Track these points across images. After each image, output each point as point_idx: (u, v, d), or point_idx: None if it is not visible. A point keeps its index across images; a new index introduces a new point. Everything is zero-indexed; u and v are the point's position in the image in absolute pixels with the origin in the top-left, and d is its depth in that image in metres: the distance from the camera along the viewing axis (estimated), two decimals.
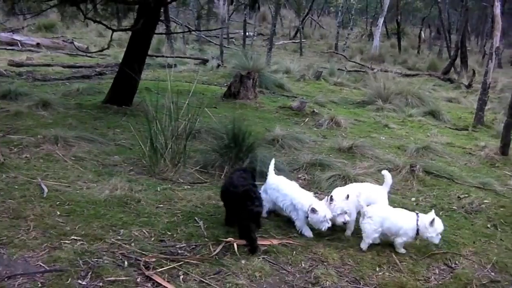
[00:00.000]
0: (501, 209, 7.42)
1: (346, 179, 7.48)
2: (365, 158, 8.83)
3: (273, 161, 6.55)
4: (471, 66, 24.04)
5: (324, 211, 5.72)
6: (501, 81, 21.80)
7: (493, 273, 5.81)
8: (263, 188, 6.29)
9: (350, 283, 5.16)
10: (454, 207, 7.27)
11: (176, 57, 20.32)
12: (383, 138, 10.61)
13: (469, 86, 20.36)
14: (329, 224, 5.77)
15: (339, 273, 5.28)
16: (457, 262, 5.86)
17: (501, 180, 8.67)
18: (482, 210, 7.27)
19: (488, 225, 6.91)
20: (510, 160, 9.88)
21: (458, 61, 24.31)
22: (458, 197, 7.58)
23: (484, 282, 5.56)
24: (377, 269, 5.45)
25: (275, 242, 5.63)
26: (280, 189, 6.14)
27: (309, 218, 5.79)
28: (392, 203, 7.00)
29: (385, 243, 5.89)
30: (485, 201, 7.54)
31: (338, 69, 21.26)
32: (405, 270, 5.51)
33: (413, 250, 5.92)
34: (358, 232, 5.99)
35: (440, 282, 5.44)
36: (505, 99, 11.81)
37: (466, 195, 7.64)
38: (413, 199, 7.43)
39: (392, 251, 5.80)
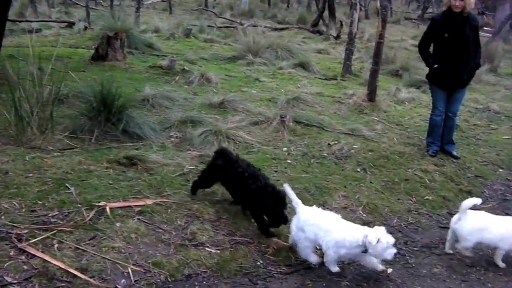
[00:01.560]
0: (370, 153, 7.65)
1: (218, 134, 7.41)
2: (237, 112, 8.80)
3: (288, 188, 5.21)
4: (339, 18, 24.49)
5: (385, 237, 4.72)
6: (368, 31, 22.43)
7: (364, 215, 6.01)
8: (296, 225, 5.04)
9: (226, 236, 5.16)
10: (324, 154, 7.41)
11: (41, 21, 19.30)
12: (254, 91, 10.62)
13: (337, 37, 20.78)
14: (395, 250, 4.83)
15: (215, 227, 5.27)
16: (329, 206, 5.98)
17: (369, 126, 8.94)
18: (352, 155, 7.47)
19: (358, 169, 7.11)
20: (377, 106, 10.21)
21: (326, 13, 24.70)
22: (329, 144, 7.73)
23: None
24: (252, 220, 5.44)
25: (149, 202, 5.49)
26: (320, 224, 4.95)
27: (370, 250, 4.71)
28: (264, 154, 7.05)
29: None
30: (355, 146, 7.75)
31: (208, 26, 21.04)
32: None
33: None
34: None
35: None
36: (372, 48, 12.14)
37: (336, 142, 7.81)
38: (284, 149, 7.48)
39: None
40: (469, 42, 7.85)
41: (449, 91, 8.06)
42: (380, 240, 4.62)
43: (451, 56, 7.84)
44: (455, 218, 5.39)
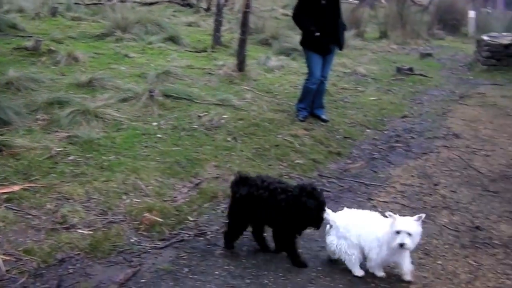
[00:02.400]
0: (240, 122, 7.74)
1: (86, 114, 7.24)
2: (106, 90, 8.60)
3: None
4: None
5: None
6: (238, 1, 22.43)
7: None
8: (336, 235, 4.60)
9: (98, 216, 5.08)
10: (195, 126, 7.42)
11: None
12: (124, 68, 10.43)
13: (207, 9, 20.75)
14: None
15: (86, 208, 5.18)
16: (201, 177, 6.01)
17: (239, 95, 9.03)
18: (222, 125, 7.53)
19: (229, 139, 7.18)
20: (247, 76, 10.32)
21: None
22: (199, 116, 7.74)
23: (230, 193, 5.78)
24: (124, 197, 5.41)
25: (16, 188, 5.31)
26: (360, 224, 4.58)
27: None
28: (134, 130, 6.99)
29: None
30: (224, 116, 7.81)
31: (75, 3, 20.36)
32: (152, 194, 5.56)
33: (157, 173, 5.95)
34: None
35: (187, 200, 5.57)
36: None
37: (206, 113, 7.84)
38: (154, 123, 7.42)
39: (138, 178, 5.77)
40: (340, 6, 8.21)
41: (324, 56, 8.28)
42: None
43: (328, 21, 8.07)
44: None
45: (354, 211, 4.72)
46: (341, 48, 8.50)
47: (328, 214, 4.62)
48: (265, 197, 4.51)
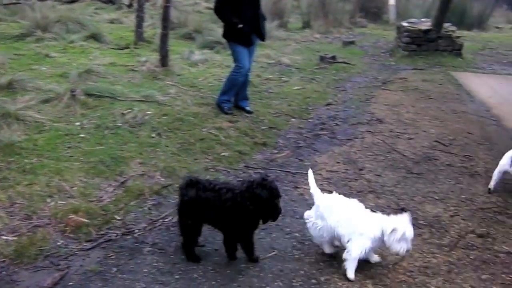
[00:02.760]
0: (164, 117, 7.71)
1: (6, 117, 7.06)
2: (26, 91, 8.38)
3: (311, 173, 4.91)
4: None
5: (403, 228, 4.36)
6: None
7: (163, 179, 6.05)
8: (315, 213, 4.71)
9: (23, 221, 4.97)
10: (119, 124, 7.33)
11: None
12: (45, 68, 10.20)
13: (130, 5, 20.48)
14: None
15: (9, 213, 5.05)
16: (126, 175, 5.97)
17: (162, 91, 8.99)
18: (146, 122, 7.48)
19: (153, 135, 7.14)
20: (170, 71, 10.28)
21: None
22: (122, 113, 7.65)
23: (156, 189, 5.76)
24: (48, 200, 5.31)
25: None
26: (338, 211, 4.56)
27: (385, 238, 4.36)
28: (57, 131, 6.87)
29: None
30: (148, 112, 7.76)
31: None
32: (77, 195, 5.47)
33: (82, 174, 5.88)
34: None
35: (113, 199, 5.51)
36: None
37: (130, 110, 7.76)
38: (77, 123, 7.28)
39: (62, 180, 5.68)
40: None
41: (247, 47, 8.31)
42: (396, 230, 4.32)
43: (249, 13, 8.12)
44: None
45: (342, 198, 4.68)
46: (263, 39, 8.57)
47: (315, 192, 4.70)
48: (213, 198, 4.41)
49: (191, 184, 4.47)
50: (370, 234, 4.37)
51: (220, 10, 8.22)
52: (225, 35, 8.46)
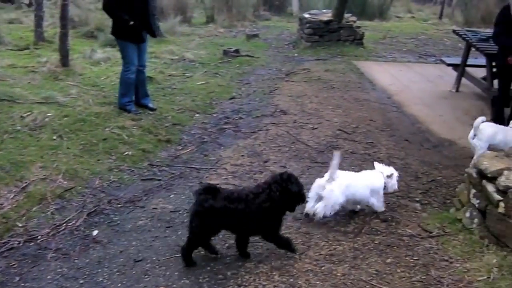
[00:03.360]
0: (65, 118, 7.57)
1: None
2: None
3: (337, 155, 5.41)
4: None
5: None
6: None
7: (65, 182, 5.96)
8: (342, 191, 5.39)
9: None
10: (18, 128, 7.10)
11: None
12: None
13: (30, 4, 19.89)
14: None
15: None
16: (27, 180, 5.84)
17: (64, 92, 8.81)
18: (47, 124, 7.31)
19: (54, 137, 7.00)
20: (72, 70, 10.10)
21: None
22: (21, 116, 7.44)
23: (59, 193, 5.68)
24: None
25: None
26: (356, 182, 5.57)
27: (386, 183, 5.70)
28: None
29: None
30: (49, 114, 7.59)
31: None
32: None
33: None
34: None
35: (14, 205, 5.39)
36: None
37: (30, 113, 7.55)
38: None
39: None
40: None
41: (138, 44, 8.23)
42: (392, 174, 5.70)
43: (140, 9, 8.05)
44: None
45: (353, 173, 5.73)
46: (154, 35, 8.56)
47: (335, 170, 5.35)
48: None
49: (210, 191, 4.52)
50: (381, 187, 5.62)
51: (110, 7, 8.08)
52: (114, 33, 8.33)
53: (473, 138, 6.65)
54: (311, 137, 7.89)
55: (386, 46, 15.82)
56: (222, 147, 7.45)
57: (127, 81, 8.30)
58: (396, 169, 6.09)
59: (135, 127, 7.71)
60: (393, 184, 5.72)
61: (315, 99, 9.79)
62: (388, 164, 6.12)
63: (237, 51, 13.28)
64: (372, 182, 5.60)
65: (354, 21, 15.28)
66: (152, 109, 8.48)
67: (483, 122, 6.53)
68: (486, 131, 6.50)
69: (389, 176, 5.68)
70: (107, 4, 8.07)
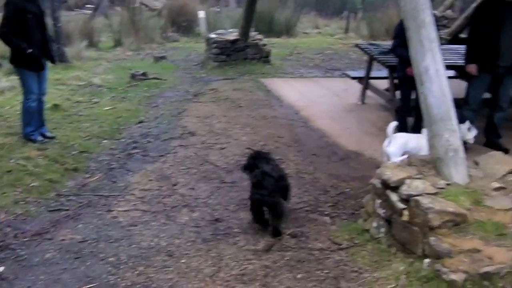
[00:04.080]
0: None
1: None
2: None
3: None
4: None
5: None
6: None
7: None
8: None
9: None
10: None
11: None
12: None
13: None
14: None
15: None
16: None
17: None
18: None
19: None
20: None
21: None
22: None
23: None
24: None
25: None
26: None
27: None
28: None
29: None
30: None
31: None
32: None
33: None
34: None
35: None
36: None
37: None
38: None
39: None
40: (45, 19, 8.25)
41: (38, 72, 8.09)
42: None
43: (38, 36, 7.94)
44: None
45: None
46: (53, 61, 8.45)
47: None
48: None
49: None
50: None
51: (6, 34, 7.84)
52: (12, 61, 8.14)
53: (387, 146, 6.92)
54: (220, 157, 7.94)
55: (293, 63, 16.07)
56: (130, 173, 7.38)
57: (29, 110, 8.11)
58: (304, 184, 6.23)
59: (40, 157, 7.54)
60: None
61: (223, 119, 9.85)
62: (297, 179, 6.27)
63: (144, 74, 13.20)
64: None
65: (260, 39, 15.45)
66: (51, 138, 8.28)
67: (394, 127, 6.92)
68: (399, 139, 6.78)
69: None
70: (4, 31, 7.83)
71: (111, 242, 5.47)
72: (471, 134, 7.09)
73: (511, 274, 4.16)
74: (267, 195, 5.55)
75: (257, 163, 5.89)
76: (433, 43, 5.44)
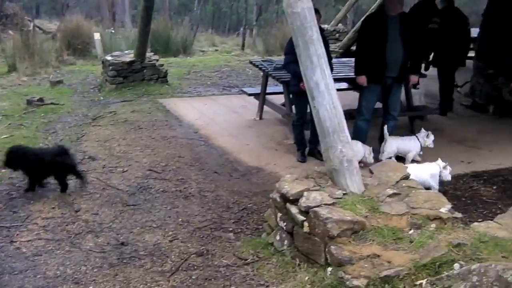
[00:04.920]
0: None
1: None
2: None
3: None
4: None
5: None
6: None
7: None
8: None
9: None
10: None
11: None
12: None
13: None
14: None
15: None
16: None
17: None
18: None
19: None
20: None
21: None
22: None
23: None
24: None
25: None
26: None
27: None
28: None
29: None
30: None
31: None
32: None
33: None
34: None
35: None
36: None
37: None
38: None
39: None
40: None
41: None
42: (446, 166, 7.40)
43: None
44: None
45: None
46: None
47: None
48: None
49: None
50: (437, 173, 7.35)
51: None
52: None
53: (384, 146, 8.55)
54: (122, 181, 7.97)
55: (191, 81, 16.16)
56: (31, 201, 7.28)
57: None
58: (207, 202, 6.33)
59: None
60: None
61: (123, 142, 9.86)
62: (200, 198, 6.36)
63: (41, 99, 12.94)
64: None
65: (157, 59, 15.48)
66: None
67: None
68: (393, 141, 8.50)
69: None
70: None
71: (16, 274, 5.43)
72: (430, 140, 8.19)
73: (410, 275, 4.43)
74: None
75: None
76: (321, 59, 5.73)
